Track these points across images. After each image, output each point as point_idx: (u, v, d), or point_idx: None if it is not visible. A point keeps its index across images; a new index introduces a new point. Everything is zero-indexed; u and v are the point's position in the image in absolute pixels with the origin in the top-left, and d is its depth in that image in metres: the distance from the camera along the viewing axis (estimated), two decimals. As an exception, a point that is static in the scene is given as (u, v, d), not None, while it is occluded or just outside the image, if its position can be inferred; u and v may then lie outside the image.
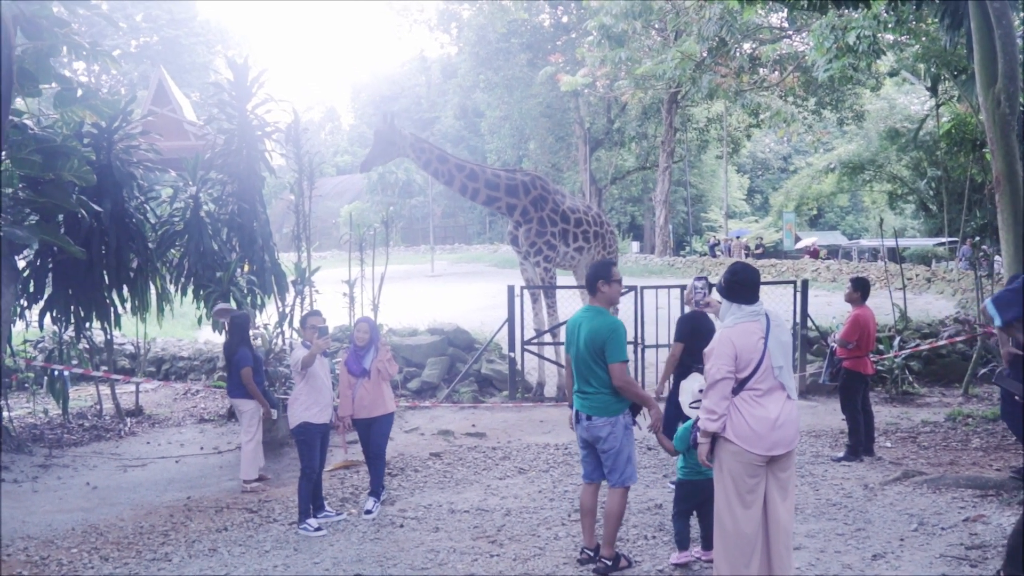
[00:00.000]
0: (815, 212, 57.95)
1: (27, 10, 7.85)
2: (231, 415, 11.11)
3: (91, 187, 9.44)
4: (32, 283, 10.04)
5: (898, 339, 12.13)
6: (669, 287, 12.14)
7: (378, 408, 7.21)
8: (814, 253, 39.10)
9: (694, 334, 7.41)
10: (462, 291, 28.58)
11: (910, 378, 11.74)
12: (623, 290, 12.13)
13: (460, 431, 10.20)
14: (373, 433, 7.25)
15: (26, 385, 11.86)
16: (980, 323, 11.32)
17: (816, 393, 11.59)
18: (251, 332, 9.01)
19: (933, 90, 33.98)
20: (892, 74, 33.35)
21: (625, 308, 12.42)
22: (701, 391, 5.06)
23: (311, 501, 7.05)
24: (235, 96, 10.80)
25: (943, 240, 36.73)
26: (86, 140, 9.99)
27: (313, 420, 7.02)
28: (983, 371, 11.29)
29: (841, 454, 8.49)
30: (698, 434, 4.82)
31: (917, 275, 26.65)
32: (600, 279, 5.64)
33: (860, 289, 8.60)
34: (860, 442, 8.44)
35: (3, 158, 8.92)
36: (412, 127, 69.39)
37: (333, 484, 8.17)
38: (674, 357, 7.67)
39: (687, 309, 8.05)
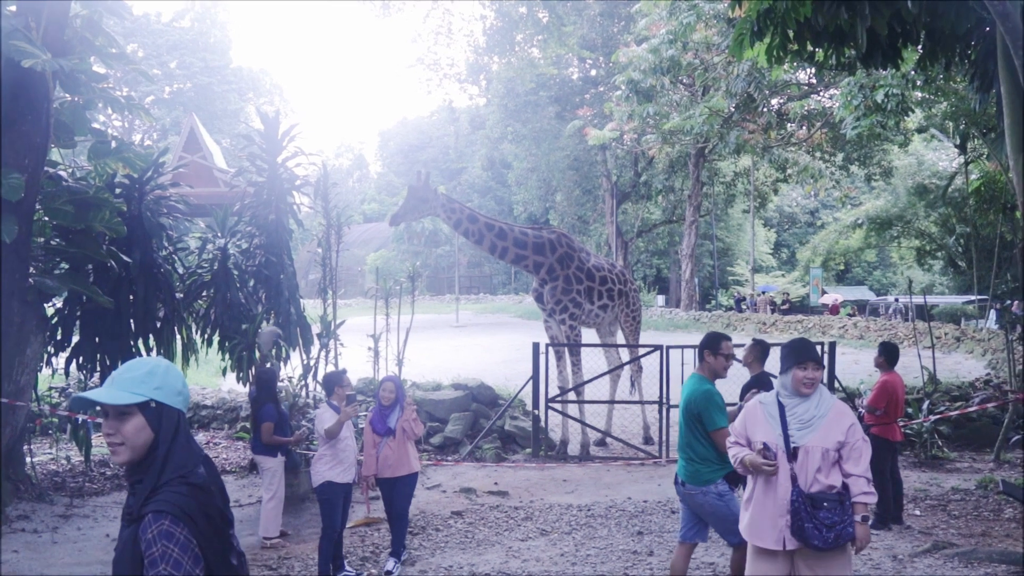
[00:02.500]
0: (842, 267, 57.59)
1: (67, 65, 8.00)
2: (253, 467, 11.07)
3: (121, 237, 9.56)
4: (60, 330, 10.11)
5: (927, 402, 11.94)
6: (695, 347, 11.99)
7: (402, 468, 7.15)
8: (834, 310, 38.77)
9: None
10: (486, 342, 28.56)
11: (939, 442, 11.53)
12: (648, 349, 12.10)
13: (482, 489, 10.10)
14: (396, 493, 7.19)
15: (50, 431, 11.91)
16: (1012, 388, 11.13)
17: (844, 456, 11.39)
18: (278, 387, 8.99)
19: (962, 147, 33.76)
20: (920, 131, 33.25)
21: (651, 367, 12.36)
22: None
23: (331, 560, 6.97)
24: (265, 149, 10.92)
25: (972, 298, 36.30)
26: (118, 191, 10.11)
27: (337, 479, 6.98)
28: (1015, 437, 11.08)
29: (869, 521, 8.30)
30: None
31: (946, 334, 26.35)
32: (707, 349, 5.65)
33: (888, 355, 8.49)
34: (888, 510, 8.27)
35: (37, 208, 9.07)
36: (439, 177, 70.15)
37: (353, 542, 8.10)
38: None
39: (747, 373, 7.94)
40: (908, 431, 11.20)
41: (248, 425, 11.48)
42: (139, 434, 2.54)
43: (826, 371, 11.73)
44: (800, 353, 4.47)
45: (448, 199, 11.82)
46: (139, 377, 2.59)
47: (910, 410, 11.47)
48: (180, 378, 2.68)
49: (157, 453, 2.54)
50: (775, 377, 4.93)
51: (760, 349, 7.60)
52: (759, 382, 7.60)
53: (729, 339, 5.98)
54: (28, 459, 10.07)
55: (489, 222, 11.89)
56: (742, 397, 7.64)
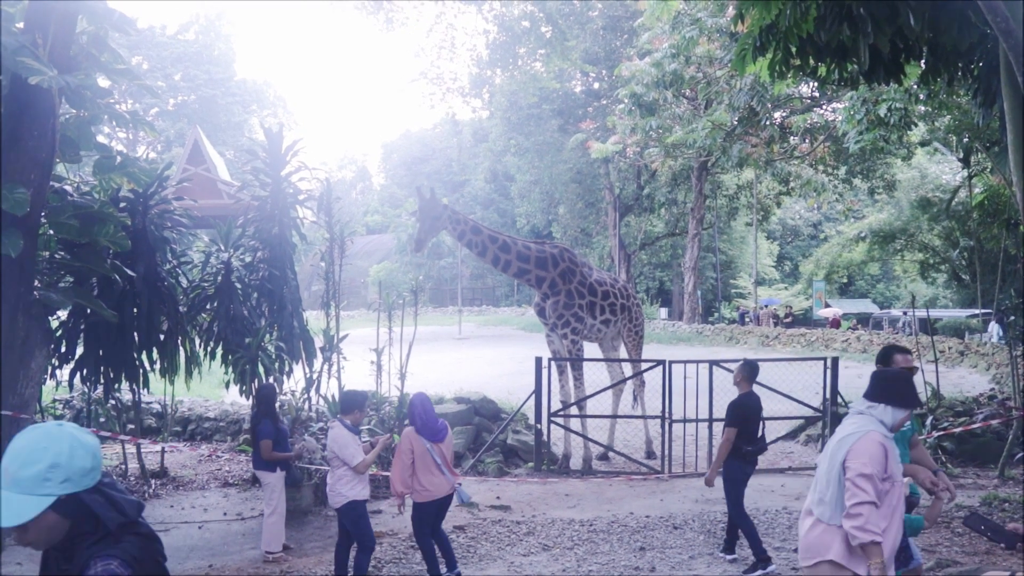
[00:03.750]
0: (845, 280, 57.56)
1: (72, 82, 8.05)
2: (255, 480, 11.08)
3: (125, 251, 9.59)
4: (64, 343, 10.14)
5: (931, 418, 11.92)
6: (697, 362, 12.02)
7: (446, 487, 7.15)
8: (834, 323, 38.74)
9: (747, 419, 7.68)
10: (489, 355, 28.55)
11: (943, 458, 11.51)
12: (651, 364, 12.10)
13: (485, 503, 10.09)
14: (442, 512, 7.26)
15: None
16: (1016, 404, 11.11)
17: (847, 471, 11.36)
18: (277, 402, 8.99)
19: (965, 161, 33.84)
20: (923, 144, 33.30)
21: (653, 382, 12.36)
22: None
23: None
24: (269, 163, 10.97)
25: (976, 312, 36.24)
26: (122, 204, 10.16)
27: (358, 497, 7.01)
28: (1020, 453, 11.05)
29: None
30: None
31: (950, 348, 26.30)
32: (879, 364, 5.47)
33: (892, 370, 8.47)
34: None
35: (42, 222, 9.10)
36: (443, 189, 70.14)
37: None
38: (728, 442, 7.71)
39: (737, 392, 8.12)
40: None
41: (250, 438, 11.50)
42: (53, 530, 2.31)
43: (828, 387, 11.74)
44: (913, 402, 4.43)
45: (453, 211, 11.83)
46: (41, 473, 2.24)
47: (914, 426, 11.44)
48: (88, 449, 2.36)
49: (83, 529, 2.34)
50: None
51: (749, 369, 7.96)
52: (747, 400, 7.82)
53: (905, 351, 5.66)
54: (31, 471, 10.07)
55: (493, 235, 11.90)
56: (729, 415, 7.76)
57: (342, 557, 7.17)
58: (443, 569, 7.11)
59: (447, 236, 52.10)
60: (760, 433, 7.88)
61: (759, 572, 7.44)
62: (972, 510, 7.52)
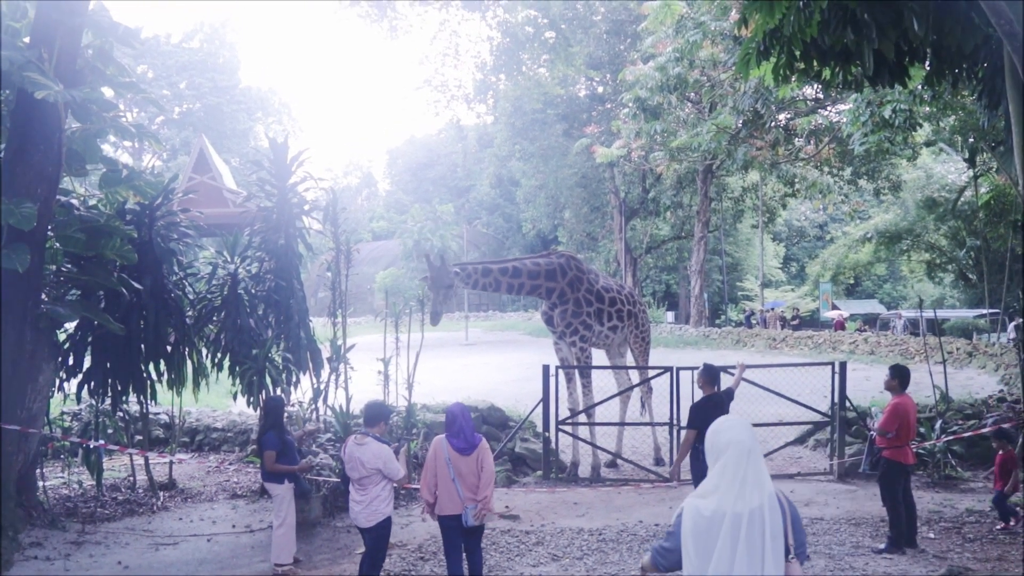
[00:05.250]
0: (852, 281, 57.45)
1: (78, 96, 8.08)
2: (263, 492, 11.07)
3: (132, 264, 9.62)
4: (72, 356, 10.16)
5: (940, 422, 11.86)
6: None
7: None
8: (839, 325, 38.67)
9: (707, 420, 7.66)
10: (496, 361, 28.54)
11: (953, 462, 11.45)
12: (658, 371, 12.10)
13: (494, 513, 10.06)
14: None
15: (61, 456, 11.94)
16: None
17: (856, 476, 11.34)
18: (285, 414, 8.96)
19: (971, 161, 33.73)
20: (928, 144, 33.20)
21: (661, 388, 12.33)
22: None
23: None
24: (274, 174, 10.97)
25: (984, 311, 36.12)
26: (128, 217, 10.18)
27: (390, 513, 6.98)
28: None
29: (883, 545, 8.27)
30: None
31: (958, 348, 26.18)
32: None
33: (899, 377, 8.45)
34: (902, 533, 8.22)
35: (49, 236, 9.13)
36: (448, 195, 70.31)
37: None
38: (688, 443, 8.28)
39: (699, 394, 8.65)
40: (921, 451, 11.13)
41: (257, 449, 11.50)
42: None
43: (836, 391, 11.69)
44: None
45: (461, 268, 11.68)
46: None
47: (922, 430, 11.40)
48: None
49: None
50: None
51: (709, 373, 8.58)
52: (707, 402, 8.34)
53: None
54: (40, 483, 10.11)
55: (501, 267, 11.82)
56: (691, 415, 8.28)
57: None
58: None
59: (453, 243, 52.14)
60: None
61: None
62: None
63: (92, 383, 10.31)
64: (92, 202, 10.29)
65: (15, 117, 8.71)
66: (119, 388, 10.50)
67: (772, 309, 44.79)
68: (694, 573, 3.38)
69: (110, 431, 10.95)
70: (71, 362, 10.17)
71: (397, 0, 20.92)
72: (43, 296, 9.28)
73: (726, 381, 9.64)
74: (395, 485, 7.04)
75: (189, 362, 11.00)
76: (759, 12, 8.50)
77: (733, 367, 10.52)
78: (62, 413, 12.83)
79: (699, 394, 8.85)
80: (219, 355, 10.82)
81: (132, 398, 10.89)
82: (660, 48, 28.57)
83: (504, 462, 12.05)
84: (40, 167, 8.60)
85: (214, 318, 10.92)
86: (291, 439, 8.52)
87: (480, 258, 64.90)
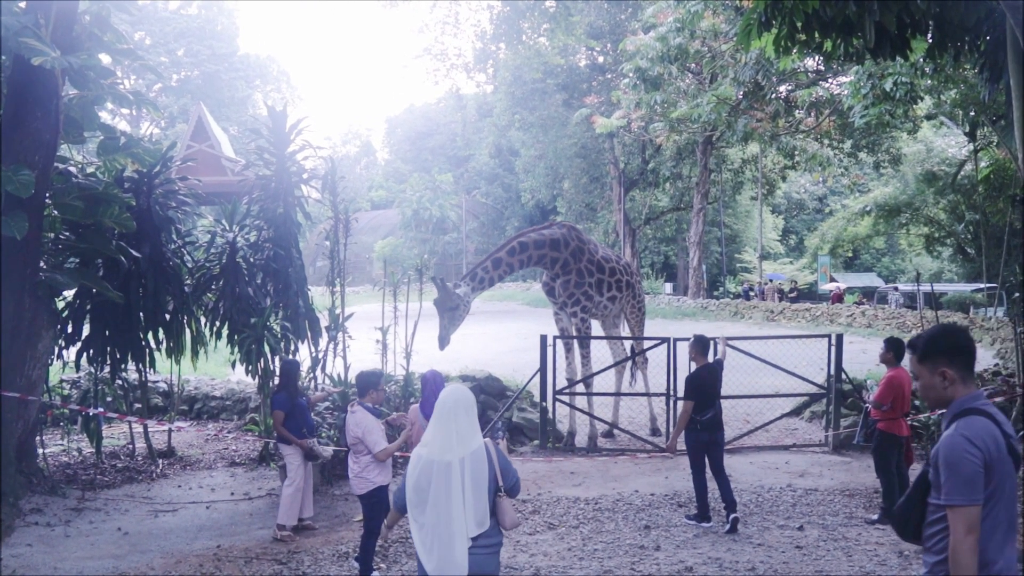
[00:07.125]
0: (851, 254, 57.46)
1: (76, 63, 8.03)
2: (262, 459, 11.16)
3: (130, 232, 9.61)
4: (70, 324, 10.18)
5: (935, 394, 11.90)
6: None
7: None
8: (836, 298, 38.74)
9: (701, 391, 8.30)
10: (494, 331, 28.58)
11: (947, 435, 11.50)
12: (656, 342, 12.13)
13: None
14: None
15: (61, 423, 12.00)
16: (1020, 381, 11.11)
17: (850, 448, 11.42)
18: (299, 378, 8.92)
19: (971, 135, 33.64)
20: (929, 118, 33.08)
21: (657, 359, 12.38)
22: None
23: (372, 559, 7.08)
24: (273, 143, 10.93)
25: (981, 286, 36.19)
26: (127, 185, 10.16)
27: (384, 483, 6.96)
28: None
29: (875, 516, 8.36)
30: None
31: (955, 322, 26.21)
32: None
33: (894, 350, 8.48)
34: (895, 506, 8.27)
35: (47, 204, 9.12)
36: (447, 164, 70.03)
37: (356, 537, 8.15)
38: (686, 413, 8.34)
39: (693, 366, 8.66)
40: (915, 424, 11.20)
41: (256, 417, 11.55)
42: None
43: (833, 363, 11.74)
44: None
45: (466, 282, 11.50)
46: None
47: (917, 402, 11.45)
48: None
49: None
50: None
51: (700, 345, 8.57)
52: (700, 373, 8.42)
53: None
54: (40, 450, 10.17)
55: (509, 248, 11.64)
56: (687, 387, 8.37)
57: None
58: None
59: (452, 212, 51.82)
60: (715, 405, 8.39)
61: (699, 524, 8.34)
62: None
63: (91, 351, 10.36)
64: (90, 170, 10.26)
65: (12, 83, 8.67)
66: (118, 356, 10.55)
67: (771, 281, 44.82)
68: (411, 508, 4.28)
69: (109, 399, 11.01)
70: (70, 330, 10.21)
71: (396, -33, 20.77)
72: (42, 264, 9.28)
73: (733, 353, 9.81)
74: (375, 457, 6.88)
75: (188, 330, 11.04)
76: (761, -17, 8.45)
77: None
78: (61, 381, 12.88)
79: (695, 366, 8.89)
80: (217, 323, 10.85)
81: (131, 366, 10.94)
82: (661, 18, 28.38)
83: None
84: (38, 134, 8.57)
85: (212, 286, 10.94)
86: (303, 402, 8.50)
87: (478, 228, 64.95)
